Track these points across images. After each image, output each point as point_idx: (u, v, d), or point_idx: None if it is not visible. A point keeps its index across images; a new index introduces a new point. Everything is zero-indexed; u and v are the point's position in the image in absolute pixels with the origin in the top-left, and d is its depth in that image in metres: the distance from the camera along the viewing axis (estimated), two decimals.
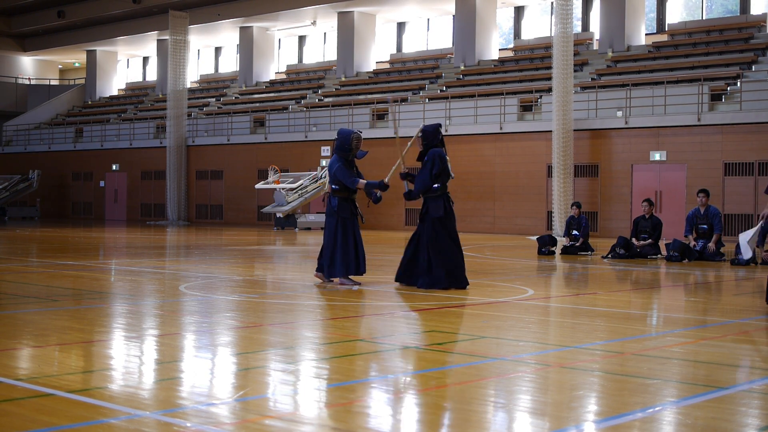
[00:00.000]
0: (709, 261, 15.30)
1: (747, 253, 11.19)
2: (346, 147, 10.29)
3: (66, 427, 3.91)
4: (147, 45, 46.59)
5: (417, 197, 10.23)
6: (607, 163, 26.19)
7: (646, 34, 32.05)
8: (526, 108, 28.75)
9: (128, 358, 5.76)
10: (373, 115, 32.01)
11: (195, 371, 5.35)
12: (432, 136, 10.20)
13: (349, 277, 10.27)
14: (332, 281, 10.33)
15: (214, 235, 25.03)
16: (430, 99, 31.76)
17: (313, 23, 40.40)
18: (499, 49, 35.53)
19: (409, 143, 10.62)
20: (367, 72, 37.67)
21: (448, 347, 6.25)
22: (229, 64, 46.10)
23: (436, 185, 9.98)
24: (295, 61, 43.28)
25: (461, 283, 9.98)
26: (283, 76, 41.63)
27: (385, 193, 10.53)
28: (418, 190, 10.13)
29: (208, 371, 5.37)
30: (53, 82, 52.67)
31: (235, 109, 38.09)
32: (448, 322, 7.64)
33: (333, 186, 10.32)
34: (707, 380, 5.22)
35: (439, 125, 10.43)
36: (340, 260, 10.16)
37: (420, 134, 10.21)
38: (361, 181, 10.24)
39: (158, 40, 44.14)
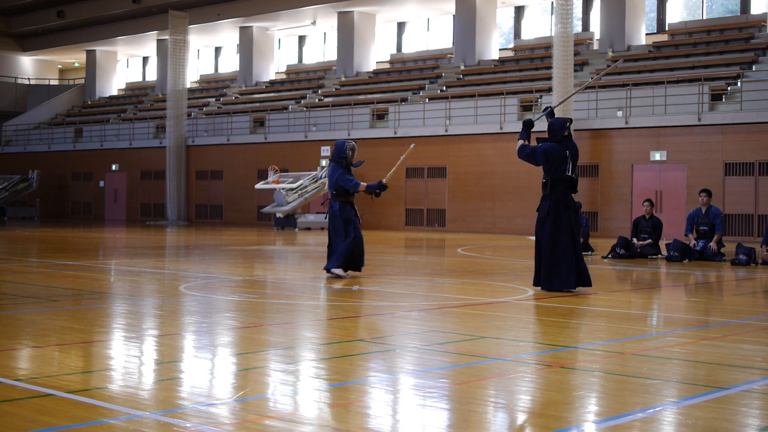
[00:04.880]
0: (709, 261, 15.28)
1: None
2: (342, 155, 11.20)
3: (66, 427, 3.91)
4: (147, 45, 46.58)
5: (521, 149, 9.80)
6: (608, 163, 26.19)
7: (647, 34, 32.06)
8: (526, 108, 28.74)
9: (128, 359, 5.75)
10: (373, 115, 32.00)
11: (195, 371, 5.35)
12: (556, 130, 9.72)
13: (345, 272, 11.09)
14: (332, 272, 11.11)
15: (213, 235, 25.02)
16: (430, 99, 31.75)
17: (313, 23, 40.40)
18: (499, 49, 35.53)
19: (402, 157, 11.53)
20: (367, 72, 37.66)
21: (448, 347, 6.24)
22: (229, 64, 46.09)
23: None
24: (295, 61, 43.27)
25: (548, 285, 9.64)
26: (283, 76, 41.63)
27: (384, 194, 10.70)
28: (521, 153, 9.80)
29: (208, 371, 5.37)
30: (53, 82, 52.66)
31: (235, 109, 38.08)
32: (448, 322, 7.63)
33: (332, 191, 11.19)
34: (707, 380, 5.21)
35: (568, 120, 9.80)
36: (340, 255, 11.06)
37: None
38: (361, 183, 11.07)
39: (158, 40, 44.13)
